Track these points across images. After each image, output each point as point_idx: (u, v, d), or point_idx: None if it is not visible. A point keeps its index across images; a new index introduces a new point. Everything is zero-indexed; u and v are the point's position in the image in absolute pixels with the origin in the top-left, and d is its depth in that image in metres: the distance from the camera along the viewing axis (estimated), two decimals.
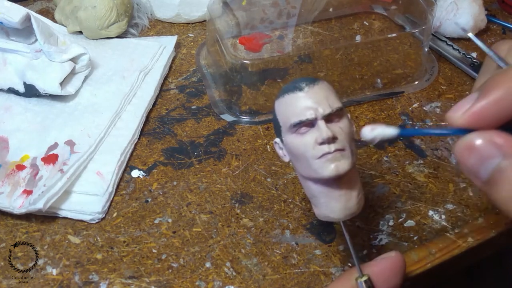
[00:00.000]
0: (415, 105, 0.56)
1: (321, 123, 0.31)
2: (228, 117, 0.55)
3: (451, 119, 0.27)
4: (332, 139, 0.31)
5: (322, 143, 0.31)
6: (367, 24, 0.66)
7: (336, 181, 0.32)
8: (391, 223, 0.44)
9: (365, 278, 0.31)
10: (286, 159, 0.35)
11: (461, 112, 0.26)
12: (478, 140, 0.26)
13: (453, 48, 0.63)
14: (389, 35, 0.62)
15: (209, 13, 0.58)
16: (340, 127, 0.32)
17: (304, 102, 0.32)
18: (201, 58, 0.62)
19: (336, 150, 0.31)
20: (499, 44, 0.34)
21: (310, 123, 0.32)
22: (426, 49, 0.59)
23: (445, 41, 0.64)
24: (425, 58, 0.60)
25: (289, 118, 0.32)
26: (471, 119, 0.26)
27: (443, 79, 0.60)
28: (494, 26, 0.68)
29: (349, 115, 0.34)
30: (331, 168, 0.31)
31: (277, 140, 0.35)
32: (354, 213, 0.33)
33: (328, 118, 0.32)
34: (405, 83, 0.59)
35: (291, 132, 0.32)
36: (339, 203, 0.33)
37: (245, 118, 0.54)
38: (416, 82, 0.59)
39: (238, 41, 0.63)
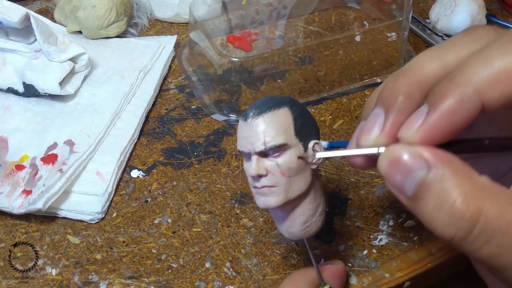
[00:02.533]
0: None
1: (253, 159, 0.30)
2: (220, 117, 0.54)
3: (404, 138, 0.24)
4: (259, 177, 0.31)
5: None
6: (366, 24, 0.66)
7: (276, 208, 0.32)
8: (391, 223, 0.44)
9: (326, 287, 0.36)
10: None
11: (414, 130, 0.24)
12: (402, 152, 0.24)
13: None
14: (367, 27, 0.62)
15: (192, 12, 0.57)
16: (278, 163, 0.30)
17: (244, 133, 0.31)
18: (184, 61, 0.61)
19: (263, 187, 0.31)
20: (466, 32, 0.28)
21: (248, 154, 0.31)
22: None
23: (441, 36, 0.64)
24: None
25: (237, 142, 0.32)
26: (426, 135, 0.24)
27: None
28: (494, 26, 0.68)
29: (311, 144, 0.31)
30: (260, 200, 0.31)
31: None
32: (300, 237, 0.33)
33: (264, 153, 0.31)
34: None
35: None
36: (282, 226, 0.33)
37: None
38: None
39: (226, 39, 0.62)
